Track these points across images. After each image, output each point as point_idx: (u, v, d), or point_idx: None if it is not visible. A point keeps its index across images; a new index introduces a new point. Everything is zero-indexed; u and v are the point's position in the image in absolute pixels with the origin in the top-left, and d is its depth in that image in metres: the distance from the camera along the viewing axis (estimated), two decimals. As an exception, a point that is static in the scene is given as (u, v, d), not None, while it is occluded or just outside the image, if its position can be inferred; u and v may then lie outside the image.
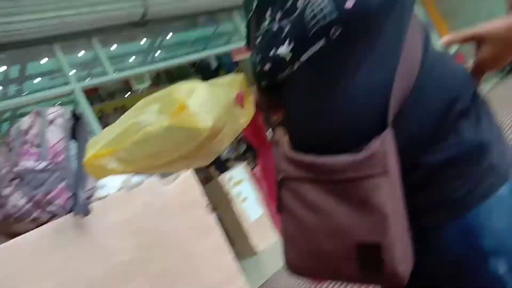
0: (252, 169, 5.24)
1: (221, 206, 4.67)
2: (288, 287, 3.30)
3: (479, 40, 0.69)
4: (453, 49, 0.76)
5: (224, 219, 4.76)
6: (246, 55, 0.90)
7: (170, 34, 6.20)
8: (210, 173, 5.18)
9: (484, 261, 0.66)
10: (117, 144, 0.81)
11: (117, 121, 0.86)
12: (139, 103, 0.86)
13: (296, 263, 0.75)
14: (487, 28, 0.68)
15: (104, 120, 5.37)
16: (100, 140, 0.83)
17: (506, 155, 0.70)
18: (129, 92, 6.77)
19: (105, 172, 0.82)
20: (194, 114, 0.77)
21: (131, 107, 0.88)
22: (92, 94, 5.91)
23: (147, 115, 0.81)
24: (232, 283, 1.67)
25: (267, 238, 4.65)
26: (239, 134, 0.91)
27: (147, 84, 5.07)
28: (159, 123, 0.78)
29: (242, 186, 4.79)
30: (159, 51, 6.62)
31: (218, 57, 6.96)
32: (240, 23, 5.86)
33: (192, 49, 6.62)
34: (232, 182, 4.76)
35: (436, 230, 0.69)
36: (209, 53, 6.18)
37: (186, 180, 1.95)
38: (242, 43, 5.83)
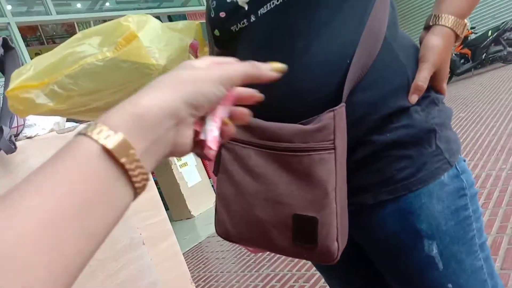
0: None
1: (160, 168, 4.60)
2: (219, 250, 3.36)
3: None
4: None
5: (162, 181, 4.71)
6: (201, 21, 0.83)
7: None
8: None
9: (420, 241, 0.67)
10: (49, 76, 0.68)
11: (50, 52, 0.72)
12: (77, 35, 0.72)
13: (227, 227, 0.72)
14: (434, 60, 0.67)
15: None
16: (28, 70, 0.69)
17: (452, 142, 0.70)
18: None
19: (31, 107, 0.69)
20: (145, 48, 0.66)
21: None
22: (31, 34, 5.45)
23: (86, 46, 0.68)
24: (163, 241, 1.64)
25: (203, 204, 4.70)
26: None
27: (92, 32, 4.77)
28: (101, 54, 0.67)
29: (183, 151, 4.74)
30: (108, 2, 6.23)
31: (171, 18, 6.67)
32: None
33: (145, 5, 6.28)
34: (173, 145, 4.68)
35: (375, 208, 0.69)
36: (163, 11, 5.92)
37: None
38: (198, 8, 5.66)
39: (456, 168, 0.68)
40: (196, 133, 0.36)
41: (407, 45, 0.70)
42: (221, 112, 0.38)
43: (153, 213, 1.67)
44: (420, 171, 0.66)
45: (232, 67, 0.37)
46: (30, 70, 0.70)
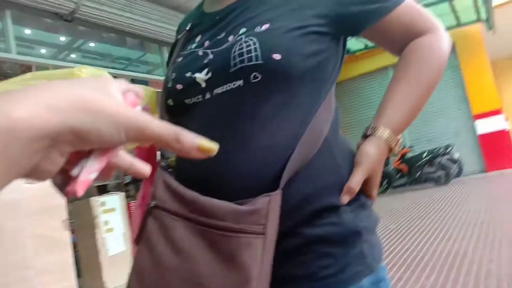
0: (129, 202, 4.98)
1: (82, 229, 4.28)
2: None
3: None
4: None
5: (81, 244, 4.37)
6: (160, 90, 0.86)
7: (93, 42, 5.94)
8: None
9: None
10: None
11: None
12: (27, 75, 0.71)
13: None
14: (368, 167, 0.71)
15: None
16: None
17: (376, 247, 0.72)
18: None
19: None
20: None
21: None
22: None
23: None
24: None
25: (122, 276, 4.33)
26: (132, 149, 0.84)
27: (49, 78, 4.68)
28: None
29: (112, 215, 4.47)
30: (75, 54, 6.26)
31: (134, 82, 6.78)
32: (166, 59, 5.88)
33: (110, 64, 6.37)
34: (103, 208, 4.43)
35: None
36: (126, 74, 6.00)
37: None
38: (162, 78, 5.82)
39: (377, 275, 0.70)
40: (68, 163, 0.30)
41: (345, 148, 0.76)
42: (112, 155, 0.32)
43: (60, 277, 1.52)
44: (342, 272, 0.67)
45: (151, 123, 0.30)
46: None
